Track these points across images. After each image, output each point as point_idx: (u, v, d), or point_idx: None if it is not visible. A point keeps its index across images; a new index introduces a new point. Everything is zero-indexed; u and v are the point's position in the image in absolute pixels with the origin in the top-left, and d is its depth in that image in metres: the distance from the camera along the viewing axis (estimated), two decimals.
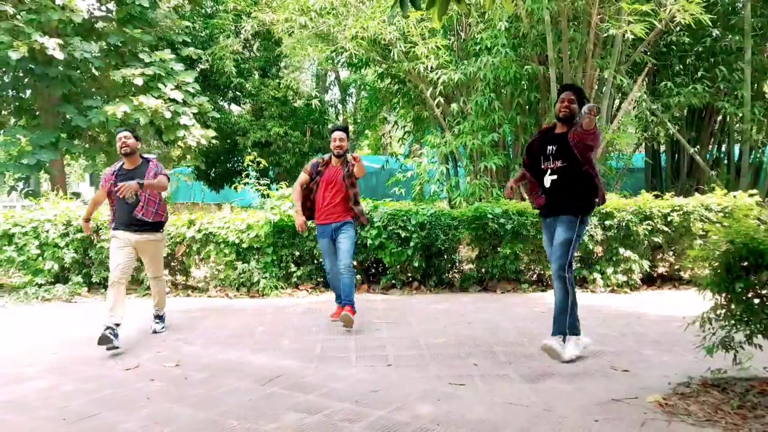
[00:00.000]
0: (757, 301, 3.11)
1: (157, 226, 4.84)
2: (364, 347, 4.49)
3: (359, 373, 3.87)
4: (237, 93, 14.26)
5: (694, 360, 3.79)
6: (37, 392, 3.62)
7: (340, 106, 20.64)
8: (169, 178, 4.78)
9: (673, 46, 10.87)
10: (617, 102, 10.46)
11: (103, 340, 4.27)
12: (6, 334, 5.20)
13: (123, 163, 4.77)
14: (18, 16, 10.30)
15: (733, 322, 3.18)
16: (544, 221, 4.22)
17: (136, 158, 4.75)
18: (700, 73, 9.97)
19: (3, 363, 4.23)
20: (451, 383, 3.63)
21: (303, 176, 5.19)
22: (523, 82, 9.39)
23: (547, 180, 4.04)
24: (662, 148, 15.05)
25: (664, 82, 10.39)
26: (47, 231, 6.77)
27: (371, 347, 4.49)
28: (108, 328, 4.36)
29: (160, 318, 5.13)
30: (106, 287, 6.82)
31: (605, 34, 8.61)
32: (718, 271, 3.15)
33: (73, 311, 6.21)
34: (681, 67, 10.95)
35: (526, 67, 9.16)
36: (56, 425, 3.10)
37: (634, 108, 10.79)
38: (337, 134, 5.11)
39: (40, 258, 6.79)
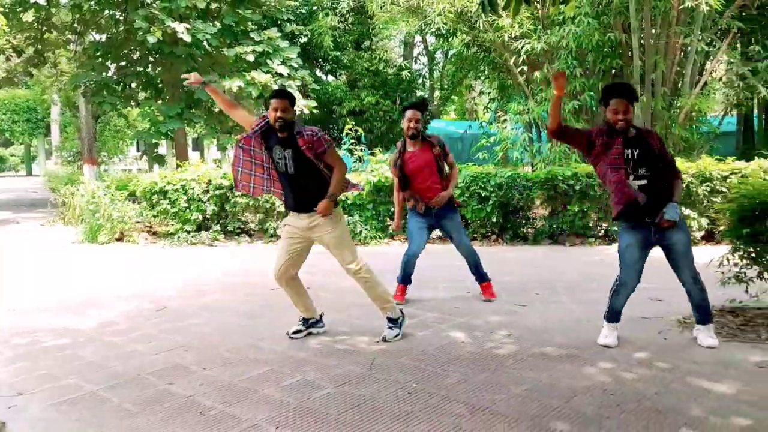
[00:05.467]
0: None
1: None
2: (448, 279, 5.63)
3: (444, 296, 5.03)
4: (333, 65, 15.52)
5: (721, 295, 4.58)
6: (217, 301, 5.07)
7: (427, 73, 21.45)
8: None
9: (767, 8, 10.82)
10: (708, 66, 10.55)
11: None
12: (174, 266, 6.81)
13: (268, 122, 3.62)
14: (154, 4, 11.98)
15: (745, 262, 4.01)
16: (633, 227, 3.59)
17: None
18: None
19: (186, 285, 5.75)
20: (516, 304, 4.70)
21: (395, 177, 4.73)
22: (605, 50, 9.85)
23: (633, 185, 3.48)
24: (755, 112, 14.74)
25: (752, 46, 10.46)
26: (193, 188, 8.37)
27: (454, 280, 5.62)
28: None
29: (392, 321, 3.93)
30: (238, 234, 8.45)
31: (681, 6, 8.93)
32: (733, 219, 3.97)
33: (216, 252, 7.79)
34: None
35: (608, 34, 9.60)
36: (240, 319, 4.52)
37: (725, 72, 10.89)
38: (411, 113, 4.44)
39: (188, 210, 8.40)
